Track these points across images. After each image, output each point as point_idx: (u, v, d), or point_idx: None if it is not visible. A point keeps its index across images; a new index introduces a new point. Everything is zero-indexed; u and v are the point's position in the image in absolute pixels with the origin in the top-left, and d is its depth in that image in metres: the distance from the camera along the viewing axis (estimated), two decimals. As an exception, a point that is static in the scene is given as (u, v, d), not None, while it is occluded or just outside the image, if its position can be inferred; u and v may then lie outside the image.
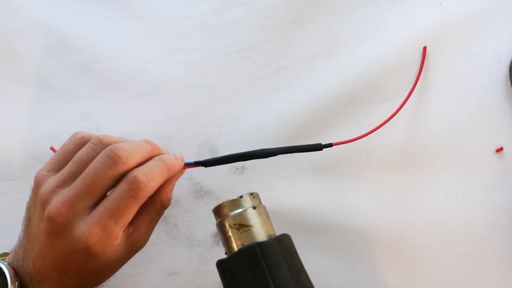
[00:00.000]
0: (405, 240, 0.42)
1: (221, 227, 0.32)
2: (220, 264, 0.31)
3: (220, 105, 0.45)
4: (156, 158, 0.33)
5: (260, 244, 0.30)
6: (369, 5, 0.47)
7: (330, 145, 0.40)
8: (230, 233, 0.32)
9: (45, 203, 0.31)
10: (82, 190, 0.31)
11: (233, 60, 0.46)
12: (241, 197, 0.33)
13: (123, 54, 0.46)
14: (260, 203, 0.34)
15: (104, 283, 0.38)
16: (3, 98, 0.45)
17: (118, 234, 0.31)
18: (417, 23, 0.46)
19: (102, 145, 0.33)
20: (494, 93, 0.45)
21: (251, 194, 0.33)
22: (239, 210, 0.32)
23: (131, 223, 0.33)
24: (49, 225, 0.31)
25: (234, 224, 0.32)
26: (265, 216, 0.33)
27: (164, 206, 0.35)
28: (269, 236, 0.32)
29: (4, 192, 0.43)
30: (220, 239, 0.34)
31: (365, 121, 0.44)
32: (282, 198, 0.43)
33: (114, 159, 0.31)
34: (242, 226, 0.32)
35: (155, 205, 0.35)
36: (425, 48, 0.45)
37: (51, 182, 0.32)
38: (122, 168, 0.31)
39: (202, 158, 0.36)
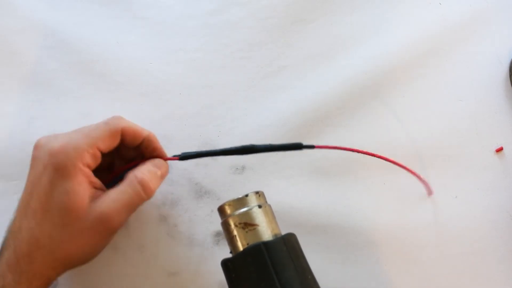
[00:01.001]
0: (405, 240, 0.42)
1: (226, 226, 0.32)
2: (225, 264, 0.31)
3: (220, 105, 0.45)
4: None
5: (266, 244, 0.30)
6: (369, 5, 0.47)
7: (312, 146, 0.38)
8: (235, 232, 0.31)
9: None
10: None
11: (233, 60, 0.46)
12: (246, 195, 0.32)
13: (123, 54, 0.46)
14: (266, 202, 0.34)
15: (103, 283, 0.38)
16: (3, 98, 0.45)
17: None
18: (417, 23, 0.46)
19: None
20: (494, 93, 0.45)
21: (257, 192, 0.33)
22: (245, 209, 0.32)
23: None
24: (53, 160, 0.32)
25: (240, 223, 0.31)
26: (271, 215, 0.33)
27: (144, 188, 0.35)
28: (275, 235, 0.31)
29: (4, 192, 0.43)
30: (224, 238, 0.33)
31: (365, 121, 0.44)
32: (282, 198, 0.43)
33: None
34: (248, 225, 0.31)
35: (131, 182, 0.35)
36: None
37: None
38: None
39: (202, 158, 0.36)
